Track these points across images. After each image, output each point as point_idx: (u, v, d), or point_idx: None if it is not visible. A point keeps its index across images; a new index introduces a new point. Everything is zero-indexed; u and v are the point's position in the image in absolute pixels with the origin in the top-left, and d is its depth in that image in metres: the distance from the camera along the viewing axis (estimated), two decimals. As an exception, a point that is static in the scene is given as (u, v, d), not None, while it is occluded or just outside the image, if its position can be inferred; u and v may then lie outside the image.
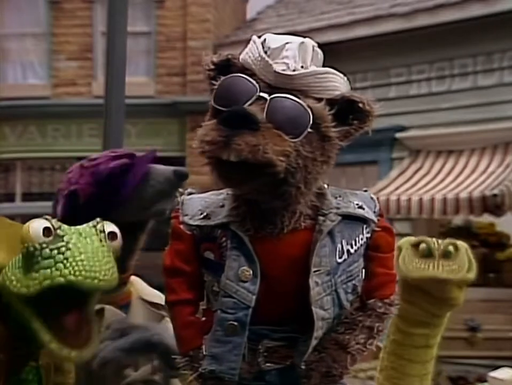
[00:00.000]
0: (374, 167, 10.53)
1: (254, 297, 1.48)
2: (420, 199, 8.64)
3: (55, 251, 1.44)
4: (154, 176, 1.99)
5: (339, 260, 1.52)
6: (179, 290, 1.56)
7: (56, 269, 1.42)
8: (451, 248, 2.21)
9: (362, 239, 1.56)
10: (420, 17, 10.01)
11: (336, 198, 1.57)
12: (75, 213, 1.65)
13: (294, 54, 1.49)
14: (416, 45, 10.02)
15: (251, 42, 1.54)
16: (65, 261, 1.42)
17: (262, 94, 1.46)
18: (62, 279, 1.41)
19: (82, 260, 1.42)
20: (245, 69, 1.51)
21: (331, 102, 1.49)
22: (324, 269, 1.50)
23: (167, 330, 1.88)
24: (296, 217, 1.52)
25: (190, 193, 1.62)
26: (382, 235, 1.60)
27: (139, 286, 2.14)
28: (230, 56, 1.55)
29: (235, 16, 13.66)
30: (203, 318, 1.56)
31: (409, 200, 8.71)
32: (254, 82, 1.47)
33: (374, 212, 1.59)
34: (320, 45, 1.57)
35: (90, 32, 12.42)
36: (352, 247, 1.54)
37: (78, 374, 1.81)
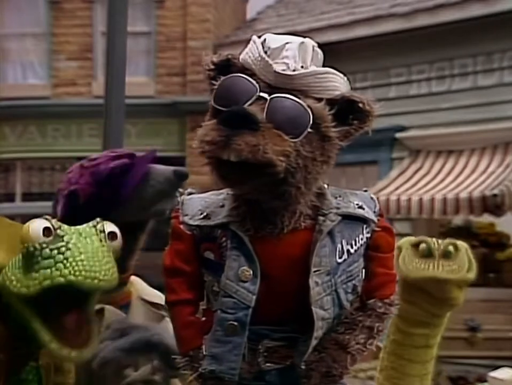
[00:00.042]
0: (374, 167, 10.53)
1: (254, 297, 1.48)
2: (420, 199, 8.64)
3: (55, 251, 1.44)
4: (154, 176, 1.99)
5: (339, 260, 1.52)
6: (179, 290, 1.56)
7: (57, 269, 1.42)
8: (451, 248, 2.21)
9: (362, 239, 1.56)
10: (420, 17, 10.02)
11: (336, 198, 1.57)
12: (75, 213, 1.66)
13: (294, 54, 1.49)
14: (416, 45, 10.02)
15: (251, 42, 1.54)
16: (65, 261, 1.42)
17: (262, 94, 1.46)
18: (62, 279, 1.41)
19: (82, 260, 1.42)
20: (245, 69, 1.51)
21: (331, 102, 1.49)
22: (324, 269, 1.50)
23: (166, 330, 1.88)
24: (296, 217, 1.52)
25: (190, 193, 1.62)
26: (382, 235, 1.60)
27: (139, 286, 2.14)
28: (230, 56, 1.55)
29: (235, 16, 13.66)
30: (203, 318, 1.56)
31: (409, 200, 8.71)
32: (254, 82, 1.47)
33: (374, 212, 1.59)
34: (320, 45, 1.57)
35: (90, 32, 12.42)
36: (352, 247, 1.54)
37: (78, 373, 1.81)
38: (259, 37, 1.54)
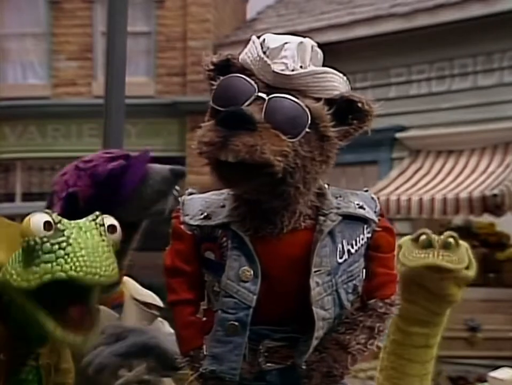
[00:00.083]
0: (374, 167, 10.54)
1: (255, 297, 1.48)
2: (420, 199, 8.65)
3: (56, 246, 1.45)
4: (151, 175, 2.00)
5: (340, 260, 1.52)
6: (180, 290, 1.56)
7: (57, 264, 1.43)
8: (451, 240, 2.23)
9: (362, 239, 1.56)
10: (420, 17, 10.02)
11: (337, 198, 1.57)
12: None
13: (292, 54, 1.49)
14: (416, 45, 10.02)
15: (250, 42, 1.54)
16: (66, 257, 1.43)
17: (260, 94, 1.46)
18: (63, 274, 1.42)
19: (82, 256, 1.43)
20: (244, 69, 1.51)
21: (330, 102, 1.49)
22: (325, 269, 1.50)
23: (160, 331, 1.89)
24: (296, 217, 1.52)
25: (191, 193, 1.62)
26: (383, 235, 1.59)
27: (131, 286, 2.14)
28: (229, 57, 1.55)
29: (235, 16, 13.66)
30: (204, 318, 1.56)
31: (409, 200, 8.71)
32: (252, 82, 1.47)
33: (375, 212, 1.59)
34: (320, 45, 1.56)
35: (90, 32, 12.43)
36: (353, 247, 1.54)
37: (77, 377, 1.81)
38: (258, 37, 1.54)
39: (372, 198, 1.63)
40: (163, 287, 1.60)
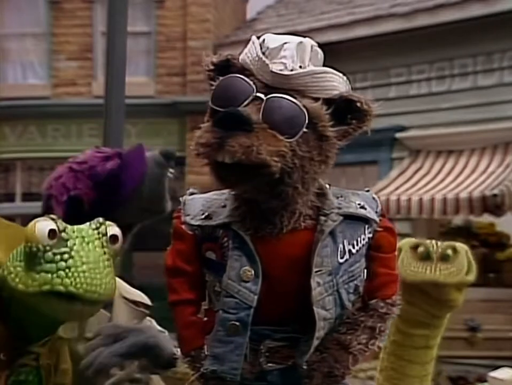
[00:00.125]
0: (374, 167, 10.53)
1: (256, 297, 1.48)
2: (420, 199, 8.64)
3: (58, 256, 1.45)
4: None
5: (341, 260, 1.52)
6: (181, 290, 1.56)
7: (58, 277, 1.43)
8: (449, 251, 2.21)
9: (363, 239, 1.56)
10: (420, 17, 10.01)
11: (338, 198, 1.57)
12: (79, 219, 1.64)
13: (292, 54, 1.49)
14: (416, 45, 10.02)
15: (250, 42, 1.54)
16: (67, 270, 1.43)
17: (258, 94, 1.46)
18: (62, 288, 1.42)
19: (83, 272, 1.43)
20: (244, 70, 1.51)
21: (329, 101, 1.49)
22: (326, 269, 1.50)
23: (154, 329, 1.89)
24: (295, 218, 1.52)
25: (192, 194, 1.62)
26: (384, 235, 1.60)
27: (119, 284, 2.14)
28: (229, 57, 1.55)
29: (235, 16, 13.66)
30: (205, 318, 1.56)
31: (409, 200, 8.71)
32: (250, 82, 1.47)
33: (376, 212, 1.59)
34: (320, 45, 1.56)
35: (90, 32, 12.42)
36: (354, 247, 1.54)
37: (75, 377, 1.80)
38: (258, 37, 1.54)
39: (373, 198, 1.63)
40: (163, 287, 1.60)
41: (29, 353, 1.64)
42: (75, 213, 1.88)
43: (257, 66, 1.49)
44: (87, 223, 1.51)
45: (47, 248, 1.45)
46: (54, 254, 1.45)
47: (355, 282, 1.55)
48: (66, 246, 1.46)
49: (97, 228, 1.50)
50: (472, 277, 2.26)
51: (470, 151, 9.37)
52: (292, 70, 1.48)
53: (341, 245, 1.52)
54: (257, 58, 1.49)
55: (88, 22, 12.42)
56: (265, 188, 1.45)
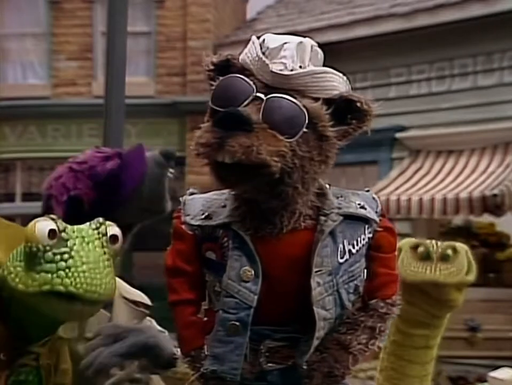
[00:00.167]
0: (374, 167, 10.53)
1: (256, 297, 1.48)
2: (420, 199, 8.64)
3: (58, 256, 1.44)
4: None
5: (341, 260, 1.52)
6: (181, 290, 1.56)
7: (58, 276, 1.43)
8: (449, 251, 2.21)
9: (363, 239, 1.56)
10: (420, 17, 10.01)
11: (338, 198, 1.57)
12: (79, 219, 1.64)
13: (292, 54, 1.49)
14: (416, 45, 10.02)
15: (250, 42, 1.54)
16: (67, 270, 1.43)
17: (258, 94, 1.46)
18: (62, 288, 1.42)
19: (83, 272, 1.43)
20: (244, 70, 1.51)
21: (329, 101, 1.49)
22: (326, 269, 1.50)
23: (154, 329, 1.89)
24: (295, 218, 1.52)
25: (192, 194, 1.63)
26: (384, 235, 1.60)
27: (119, 284, 2.14)
28: (229, 57, 1.55)
29: (235, 16, 13.66)
30: (205, 318, 1.56)
31: (409, 200, 8.71)
32: (250, 82, 1.48)
33: (376, 212, 1.59)
34: (320, 45, 1.56)
35: (90, 32, 12.42)
36: (354, 248, 1.54)
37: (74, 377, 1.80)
38: (258, 37, 1.54)
39: (374, 198, 1.63)
40: (163, 287, 1.60)
41: (29, 353, 1.64)
42: (75, 213, 1.88)
43: (257, 66, 1.49)
44: (87, 223, 1.51)
45: (47, 248, 1.45)
46: (54, 254, 1.45)
47: (355, 282, 1.55)
48: (66, 246, 1.45)
49: (97, 228, 1.50)
50: (472, 277, 2.27)
51: (470, 151, 9.37)
52: (292, 70, 1.48)
53: (341, 245, 1.52)
54: (257, 58, 1.49)
55: (88, 22, 12.42)
56: (265, 188, 1.45)
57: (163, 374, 1.88)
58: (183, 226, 1.56)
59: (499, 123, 9.31)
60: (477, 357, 7.76)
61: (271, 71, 1.47)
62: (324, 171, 1.51)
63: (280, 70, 1.47)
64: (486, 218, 9.17)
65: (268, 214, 1.51)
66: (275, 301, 1.50)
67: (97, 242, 1.47)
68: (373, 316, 1.55)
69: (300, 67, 1.49)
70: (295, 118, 1.44)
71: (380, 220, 1.59)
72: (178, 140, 11.70)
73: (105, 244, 1.49)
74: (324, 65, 1.55)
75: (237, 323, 1.48)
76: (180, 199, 1.61)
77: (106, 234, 1.50)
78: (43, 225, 1.47)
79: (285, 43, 1.50)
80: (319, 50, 1.55)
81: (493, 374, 2.65)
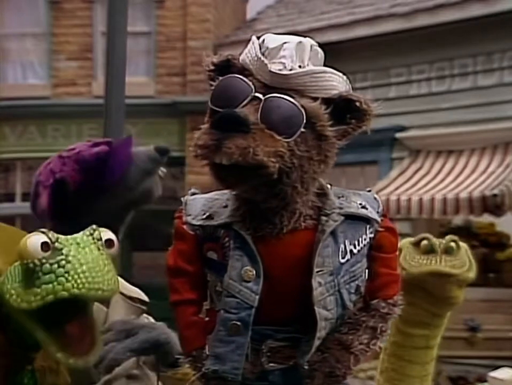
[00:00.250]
0: (374, 167, 10.53)
1: (257, 297, 1.48)
2: (420, 199, 8.64)
3: (55, 265, 1.41)
4: (137, 156, 2.04)
5: (342, 260, 1.52)
6: (182, 290, 1.56)
7: (59, 284, 1.40)
8: (453, 244, 2.22)
9: (365, 239, 1.56)
10: (420, 17, 10.01)
11: (339, 198, 1.57)
12: (64, 202, 1.63)
13: (291, 54, 1.49)
14: (416, 45, 10.02)
15: (250, 42, 1.54)
16: (66, 275, 1.40)
17: (257, 94, 1.46)
18: (65, 293, 1.39)
19: (83, 272, 1.41)
20: (244, 70, 1.51)
21: (328, 101, 1.49)
22: (327, 270, 1.50)
23: (166, 327, 1.89)
24: (295, 217, 1.52)
25: (193, 194, 1.63)
26: (386, 235, 1.60)
27: None
28: (229, 57, 1.55)
29: (235, 16, 13.66)
30: (207, 318, 1.56)
31: (409, 200, 8.70)
32: (249, 82, 1.48)
33: (378, 212, 1.59)
34: (320, 45, 1.56)
35: (90, 32, 12.42)
36: (355, 248, 1.54)
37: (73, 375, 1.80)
38: (258, 37, 1.54)
39: (375, 198, 1.63)
40: (164, 287, 1.60)
41: (26, 358, 1.64)
42: (60, 196, 1.88)
43: (257, 66, 1.49)
44: (81, 232, 1.49)
45: (43, 260, 1.42)
46: (51, 264, 1.42)
47: (356, 282, 1.55)
48: (62, 254, 1.43)
49: (91, 234, 1.47)
50: (472, 274, 2.27)
51: (470, 151, 9.37)
52: (291, 70, 1.48)
53: (342, 245, 1.52)
54: (256, 58, 1.50)
55: (88, 22, 12.42)
56: (264, 188, 1.46)
57: (170, 371, 1.88)
58: (184, 227, 1.56)
59: (499, 123, 9.30)
60: (477, 357, 7.76)
61: (270, 71, 1.47)
62: (324, 171, 1.51)
63: (279, 70, 1.47)
64: (486, 218, 9.17)
65: (267, 214, 1.51)
66: (276, 301, 1.50)
67: (92, 246, 1.45)
68: (375, 316, 1.55)
69: (300, 66, 1.49)
70: (293, 118, 1.44)
71: (381, 220, 1.59)
72: (178, 140, 11.70)
73: (101, 248, 1.47)
74: (324, 65, 1.55)
75: (238, 323, 1.48)
76: (182, 199, 1.61)
77: (100, 239, 1.48)
78: (35, 239, 1.44)
79: (285, 43, 1.50)
80: (319, 50, 1.55)
81: (493, 374, 2.65)
